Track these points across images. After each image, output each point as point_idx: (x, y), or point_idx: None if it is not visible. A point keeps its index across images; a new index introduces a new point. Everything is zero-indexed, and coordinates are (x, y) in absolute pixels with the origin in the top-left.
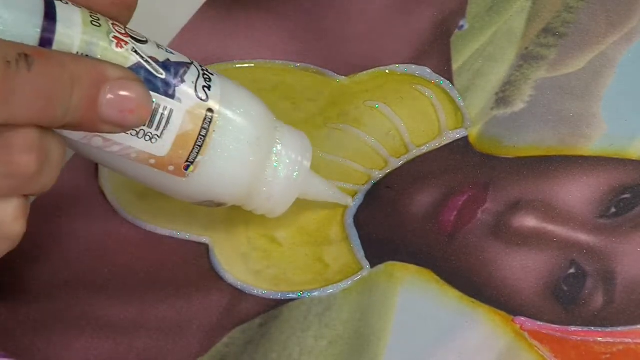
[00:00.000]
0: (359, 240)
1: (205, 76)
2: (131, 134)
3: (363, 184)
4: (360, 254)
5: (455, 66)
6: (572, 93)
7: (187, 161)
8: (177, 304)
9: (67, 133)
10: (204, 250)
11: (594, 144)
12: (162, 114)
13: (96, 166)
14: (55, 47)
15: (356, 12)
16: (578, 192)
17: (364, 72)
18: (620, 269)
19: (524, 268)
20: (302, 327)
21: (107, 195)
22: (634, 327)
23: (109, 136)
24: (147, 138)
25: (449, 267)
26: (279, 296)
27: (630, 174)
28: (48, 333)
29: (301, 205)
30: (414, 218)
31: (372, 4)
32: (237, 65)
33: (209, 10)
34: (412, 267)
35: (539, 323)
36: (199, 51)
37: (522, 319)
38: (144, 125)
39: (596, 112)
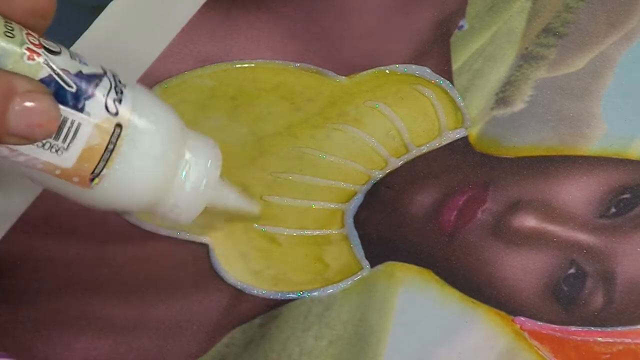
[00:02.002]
0: (359, 240)
1: (118, 89)
2: (37, 146)
3: (363, 184)
4: (360, 254)
5: (455, 66)
6: (572, 93)
7: (92, 173)
8: (177, 304)
9: None
10: (204, 250)
11: (594, 144)
12: (70, 127)
13: None
14: None
15: (356, 12)
16: (578, 192)
17: (364, 72)
18: (620, 269)
19: (524, 268)
20: (302, 327)
21: None
22: (633, 327)
23: (15, 147)
24: (54, 150)
25: (449, 267)
26: (279, 296)
27: (630, 174)
28: (48, 333)
29: (301, 205)
30: (414, 218)
31: (372, 4)
32: (237, 65)
33: (209, 10)
34: (412, 267)
35: (539, 323)
36: (199, 51)
37: (522, 319)
38: (51, 138)
39: (596, 112)
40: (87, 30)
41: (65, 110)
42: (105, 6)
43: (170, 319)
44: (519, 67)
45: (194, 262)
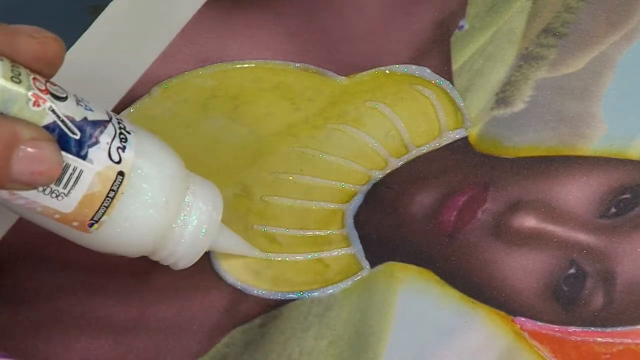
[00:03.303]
0: (358, 240)
1: (122, 136)
2: (37, 190)
3: (363, 184)
4: (360, 254)
5: (455, 66)
6: (572, 93)
7: (91, 219)
8: (177, 304)
9: None
10: None
11: (594, 144)
12: (72, 173)
13: None
14: None
15: (356, 12)
16: (578, 192)
17: (364, 72)
18: (620, 269)
19: (524, 268)
20: (302, 328)
21: None
22: (634, 328)
23: (15, 191)
24: (54, 195)
25: (449, 267)
26: (279, 296)
27: (630, 174)
28: (48, 333)
29: (301, 205)
30: (414, 218)
31: (372, 4)
32: (237, 65)
33: (209, 10)
34: (412, 267)
35: (539, 323)
36: (199, 51)
37: (522, 319)
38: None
39: (596, 112)
40: (87, 30)
41: (67, 157)
42: (105, 6)
43: (170, 319)
44: (519, 67)
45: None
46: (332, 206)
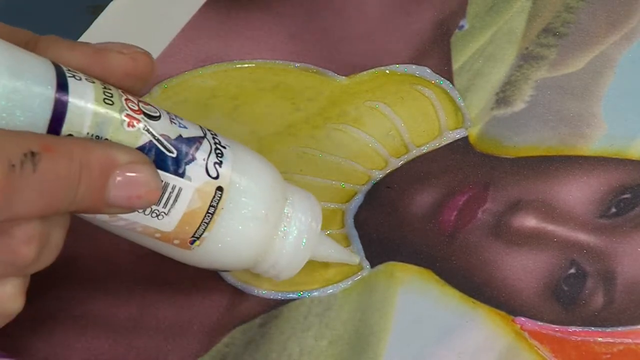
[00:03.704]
0: (359, 240)
1: (218, 151)
2: (137, 211)
3: (363, 184)
4: (361, 254)
5: (455, 66)
6: (572, 93)
7: (192, 237)
8: (177, 304)
9: None
10: None
11: (594, 144)
12: (171, 192)
13: None
14: (66, 124)
15: (356, 12)
16: (578, 192)
17: (364, 72)
18: (621, 269)
19: (524, 268)
20: (302, 327)
21: None
22: (634, 327)
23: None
24: (154, 215)
25: (449, 267)
26: (279, 296)
27: (630, 174)
28: (48, 333)
29: None
30: (414, 218)
31: (372, 4)
32: (237, 65)
33: (209, 10)
34: (412, 267)
35: (539, 323)
36: (199, 51)
37: (523, 319)
38: None
39: (596, 112)
40: (87, 30)
41: (165, 176)
42: (105, 6)
43: (170, 319)
44: (519, 67)
45: None
46: (332, 206)
